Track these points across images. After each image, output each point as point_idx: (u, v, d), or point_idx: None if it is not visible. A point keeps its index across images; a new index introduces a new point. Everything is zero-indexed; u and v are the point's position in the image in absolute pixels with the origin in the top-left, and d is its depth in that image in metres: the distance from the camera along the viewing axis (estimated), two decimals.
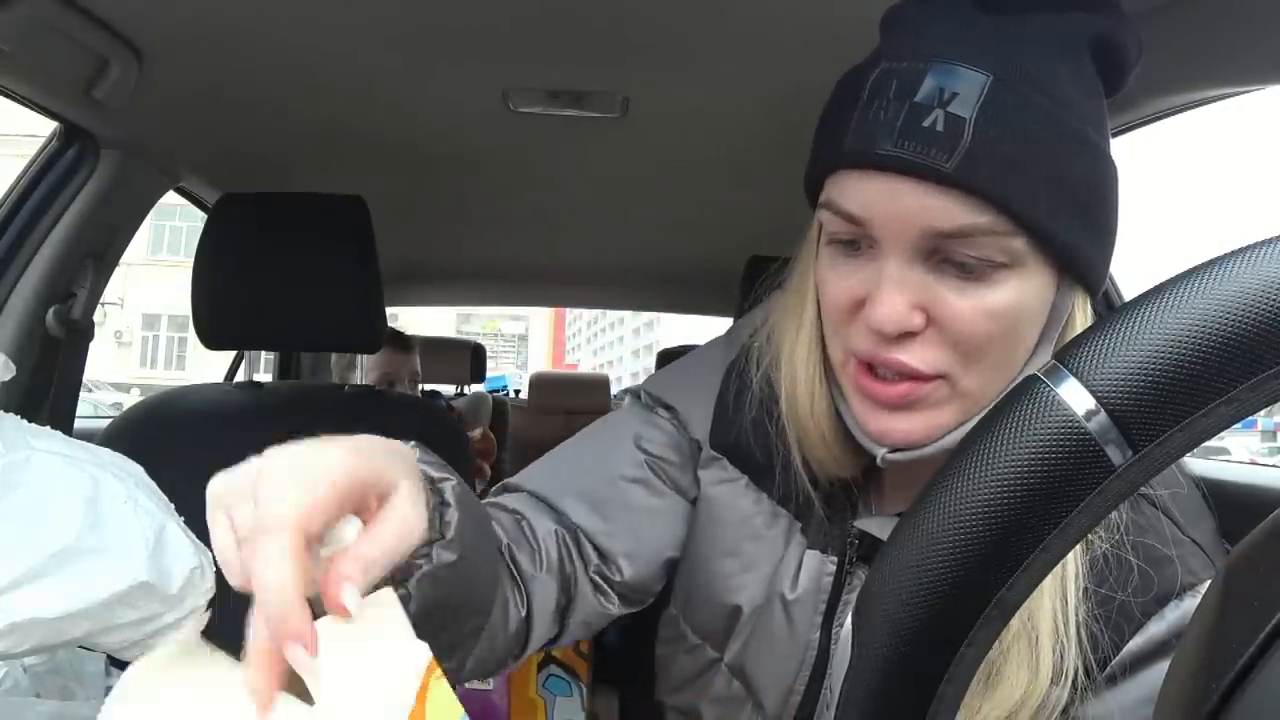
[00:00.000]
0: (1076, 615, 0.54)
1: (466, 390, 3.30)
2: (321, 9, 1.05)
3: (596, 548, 0.67)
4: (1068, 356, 0.27)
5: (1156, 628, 0.56)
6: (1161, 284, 0.26)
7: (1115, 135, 0.62)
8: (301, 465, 0.38)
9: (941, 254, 0.53)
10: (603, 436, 0.72)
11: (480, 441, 2.29)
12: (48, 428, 0.65)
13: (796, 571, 0.64)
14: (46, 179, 1.26)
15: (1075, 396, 0.26)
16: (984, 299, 0.53)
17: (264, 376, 2.35)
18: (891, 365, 0.54)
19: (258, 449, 0.40)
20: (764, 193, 1.68)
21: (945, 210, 0.51)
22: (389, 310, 1.36)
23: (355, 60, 1.19)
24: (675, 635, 0.73)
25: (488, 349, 3.55)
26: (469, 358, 3.28)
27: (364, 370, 2.29)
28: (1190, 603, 0.56)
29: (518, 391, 4.53)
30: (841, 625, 0.64)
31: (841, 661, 0.63)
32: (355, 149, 1.56)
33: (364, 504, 0.41)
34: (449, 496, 0.49)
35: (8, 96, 1.10)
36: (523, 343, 42.86)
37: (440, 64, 1.20)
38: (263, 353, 2.39)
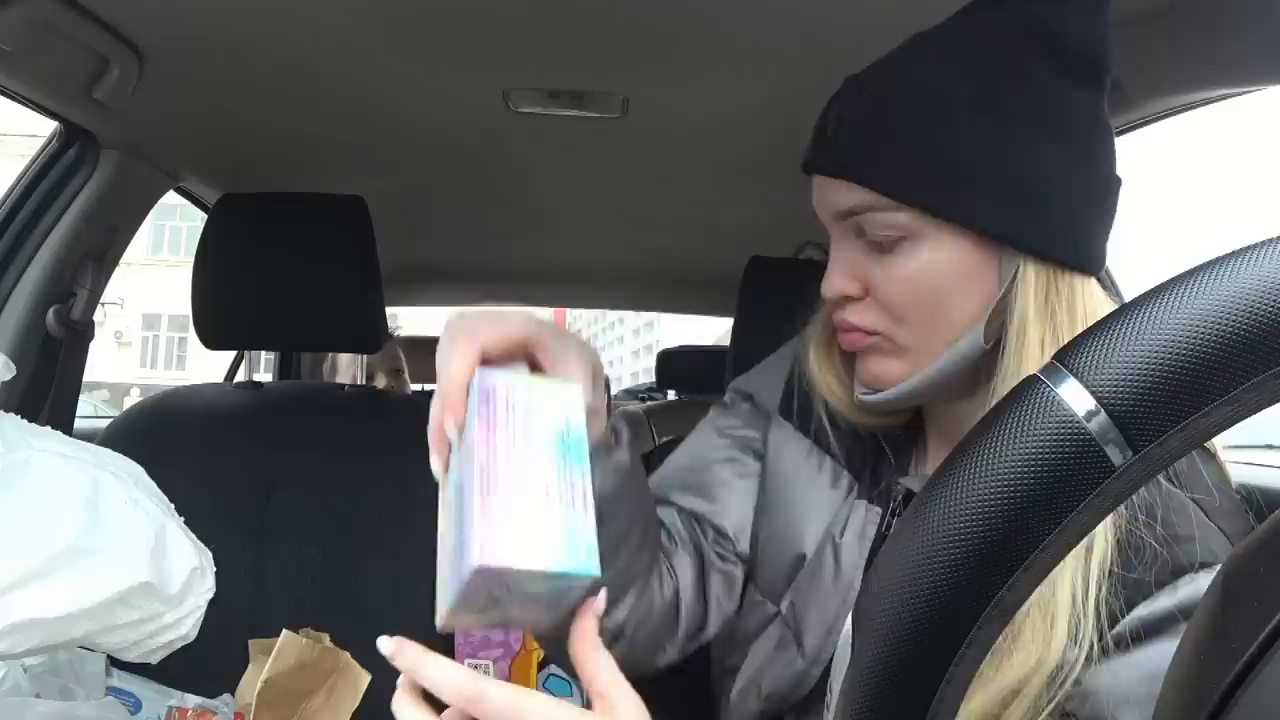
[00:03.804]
0: (1095, 591, 0.55)
1: None
2: (322, 9, 1.05)
3: (714, 526, 0.77)
4: (1068, 356, 0.27)
5: (1166, 600, 0.56)
6: (1161, 284, 0.26)
7: (1116, 135, 0.62)
8: (495, 316, 0.52)
9: (861, 233, 0.64)
10: (693, 439, 0.84)
11: None
12: (48, 428, 0.65)
13: (846, 520, 0.72)
14: (46, 179, 1.26)
15: (1075, 397, 0.26)
16: (893, 267, 0.63)
17: (264, 376, 2.35)
18: (841, 325, 0.67)
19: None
20: (764, 193, 1.68)
21: (837, 194, 0.64)
22: (389, 310, 1.36)
23: (355, 60, 1.19)
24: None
25: None
26: None
27: (361, 367, 2.28)
28: (1204, 579, 0.55)
29: None
30: None
31: (842, 661, 0.63)
32: (355, 149, 1.56)
33: (534, 358, 0.53)
34: (618, 421, 0.62)
35: (8, 96, 1.10)
36: None
37: (440, 64, 1.20)
38: (263, 353, 2.39)
